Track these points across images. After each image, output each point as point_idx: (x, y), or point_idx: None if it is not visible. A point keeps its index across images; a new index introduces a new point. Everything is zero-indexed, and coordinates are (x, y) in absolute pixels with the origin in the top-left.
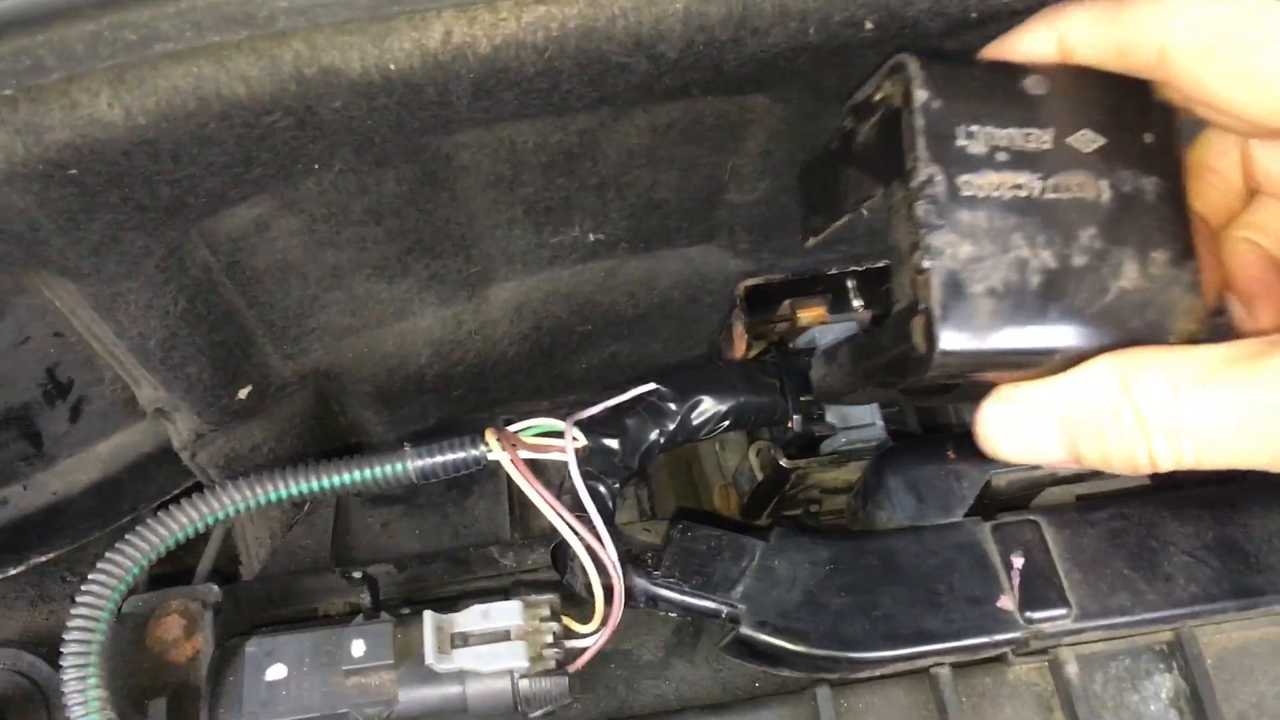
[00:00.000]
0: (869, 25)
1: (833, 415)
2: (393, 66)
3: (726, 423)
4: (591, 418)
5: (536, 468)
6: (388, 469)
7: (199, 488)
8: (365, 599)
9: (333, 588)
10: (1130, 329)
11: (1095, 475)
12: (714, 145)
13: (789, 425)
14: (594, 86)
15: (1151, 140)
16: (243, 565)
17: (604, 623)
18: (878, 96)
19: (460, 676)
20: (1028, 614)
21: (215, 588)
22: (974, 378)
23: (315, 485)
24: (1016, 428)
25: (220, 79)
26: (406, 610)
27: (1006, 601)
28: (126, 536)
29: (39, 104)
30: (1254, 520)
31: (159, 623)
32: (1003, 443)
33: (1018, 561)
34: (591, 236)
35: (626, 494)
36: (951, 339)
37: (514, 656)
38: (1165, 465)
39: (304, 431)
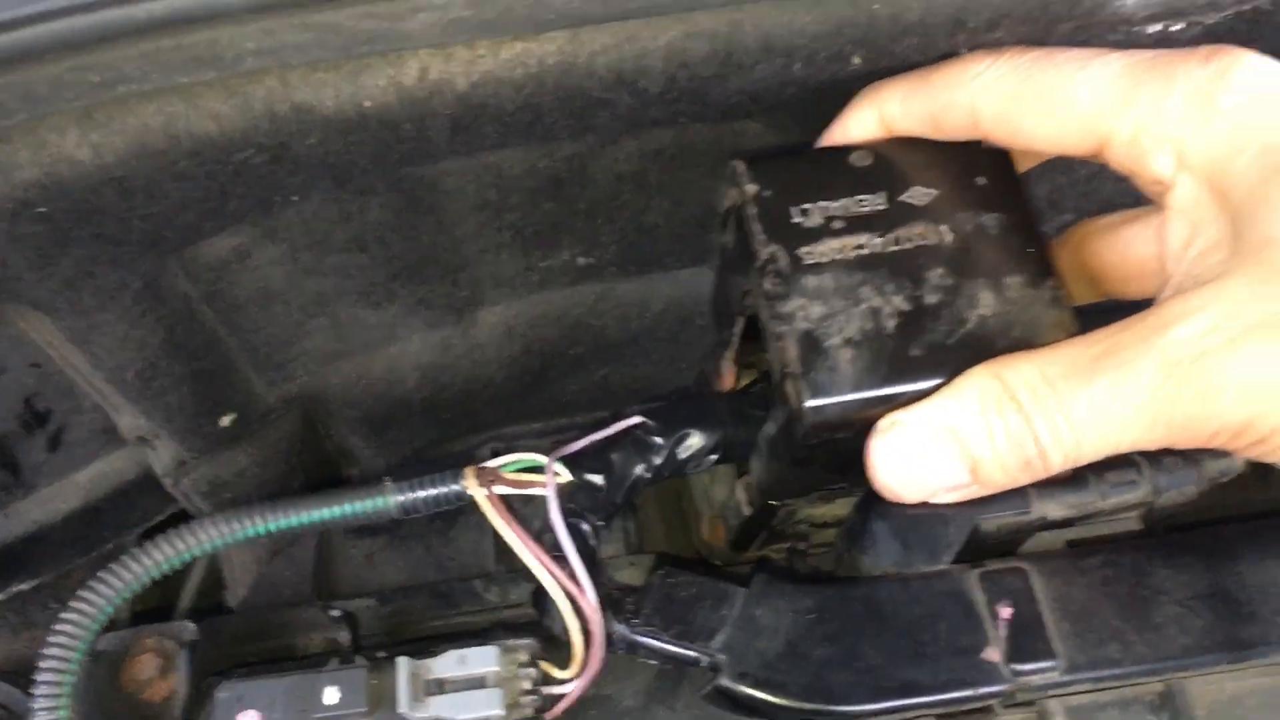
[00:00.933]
0: (856, 60)
1: None
2: (368, 103)
3: (714, 456)
4: (576, 452)
5: (524, 497)
6: (368, 504)
7: (184, 514)
8: (345, 636)
9: (313, 623)
10: (998, 349)
11: (1085, 520)
12: (706, 170)
13: None
14: (577, 119)
15: (985, 182)
16: (228, 593)
17: (582, 669)
18: (727, 204)
19: None
20: (1014, 666)
21: (191, 625)
22: (855, 432)
23: (294, 521)
24: (906, 452)
25: (190, 116)
26: (382, 654)
27: (993, 653)
28: (101, 574)
29: (6, 143)
30: (1247, 568)
31: (134, 661)
32: (898, 472)
33: (1005, 611)
34: (581, 260)
35: (613, 526)
36: (817, 390)
37: (490, 705)
38: (1055, 457)
39: (290, 456)
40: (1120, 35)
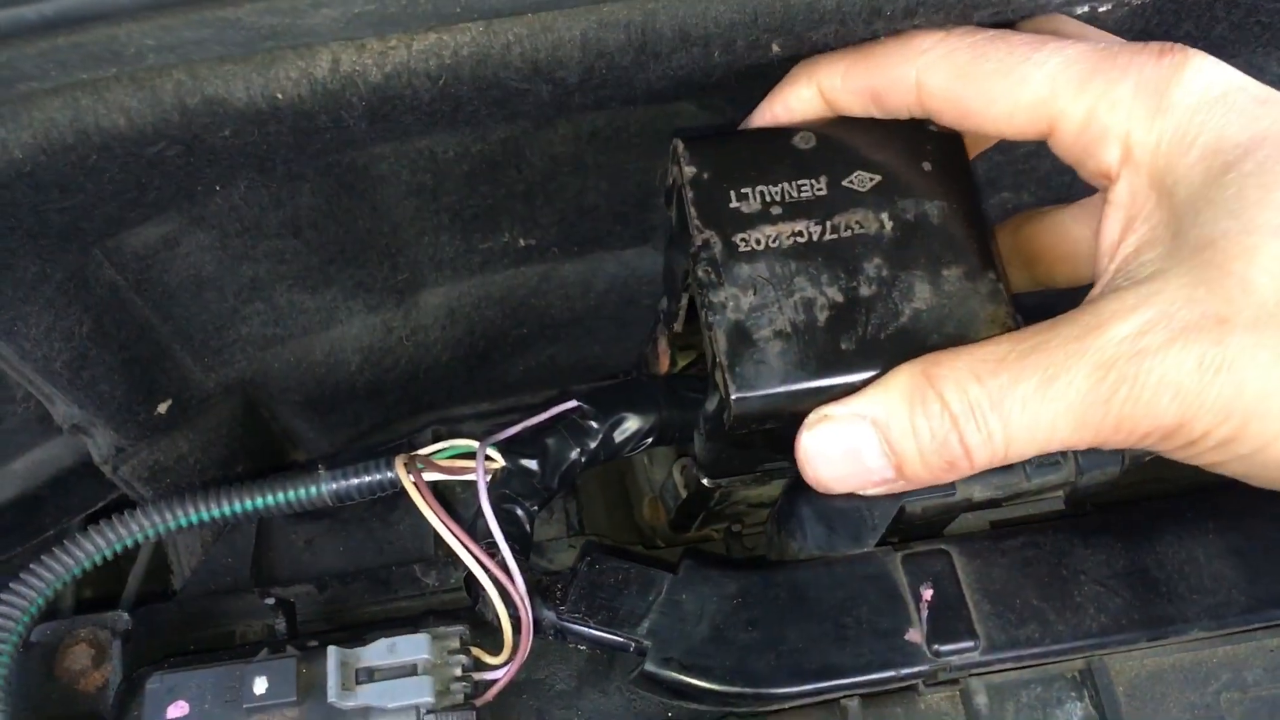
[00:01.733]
0: (776, 48)
1: None
2: (279, 95)
3: (650, 439)
4: (510, 437)
5: (466, 481)
6: (301, 492)
7: (124, 500)
8: (281, 624)
9: (251, 609)
10: (931, 344)
11: (1010, 501)
12: (642, 151)
13: None
14: (499, 107)
15: (931, 168)
16: (175, 577)
17: (512, 655)
18: (669, 180)
19: (365, 713)
20: (935, 647)
21: (125, 616)
22: (784, 422)
23: (229, 509)
24: (835, 444)
25: (99, 110)
26: (314, 643)
27: (914, 634)
28: (32, 565)
29: None
30: (1166, 548)
31: (67, 652)
32: (825, 465)
33: (927, 593)
34: (522, 241)
35: (555, 507)
36: (743, 384)
37: (420, 691)
38: (980, 456)
39: (232, 441)
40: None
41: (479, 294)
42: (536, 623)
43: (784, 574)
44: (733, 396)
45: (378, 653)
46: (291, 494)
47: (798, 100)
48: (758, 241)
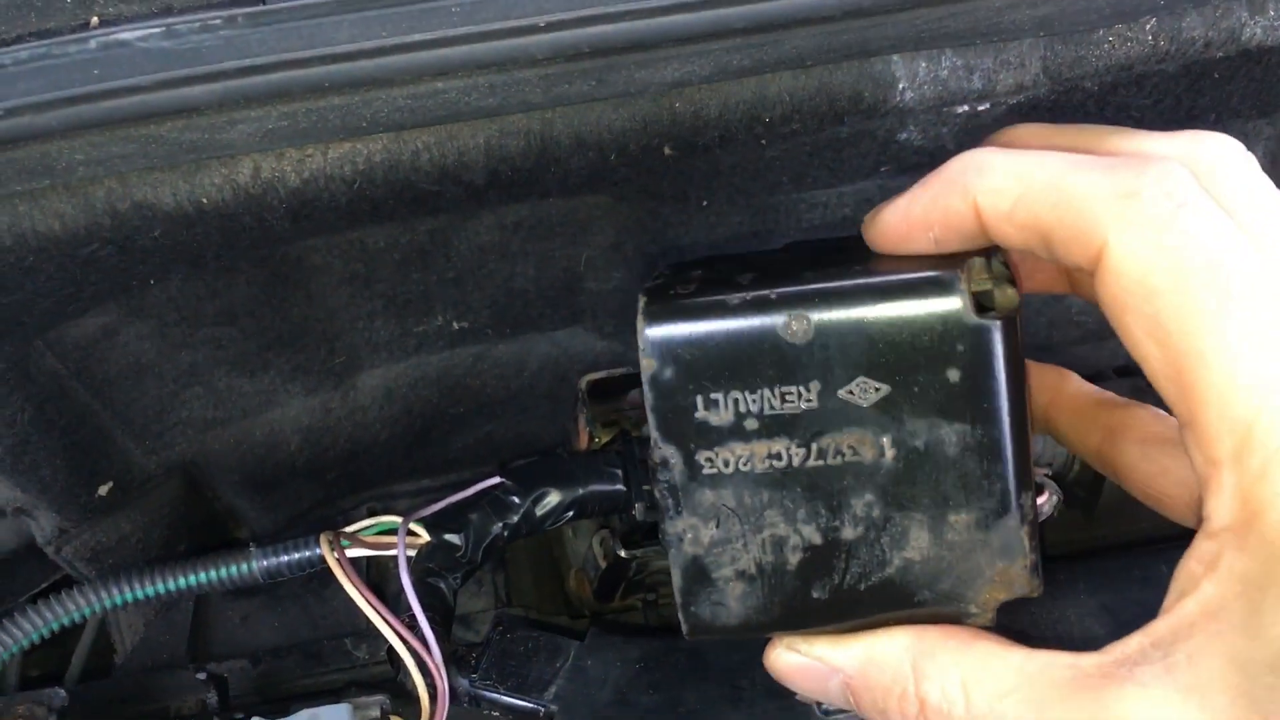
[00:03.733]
0: (668, 151)
1: None
2: (205, 200)
3: (571, 513)
4: (435, 513)
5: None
6: (233, 570)
7: (67, 581)
8: (213, 699)
9: (185, 685)
10: (918, 600)
11: None
12: (565, 240)
13: (632, 513)
14: (415, 207)
15: (958, 378)
16: (118, 654)
17: None
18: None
19: None
20: (824, 708)
21: (62, 692)
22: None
23: (164, 587)
24: (805, 677)
25: (35, 216)
26: (240, 715)
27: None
28: None
29: None
30: (1039, 607)
31: None
32: (793, 683)
33: None
34: (456, 325)
35: (484, 580)
36: (698, 625)
37: None
38: None
39: (175, 521)
40: (922, 122)
41: (415, 375)
42: (452, 691)
43: (684, 639)
44: (687, 635)
45: None
46: (224, 571)
47: (935, 210)
48: (725, 463)
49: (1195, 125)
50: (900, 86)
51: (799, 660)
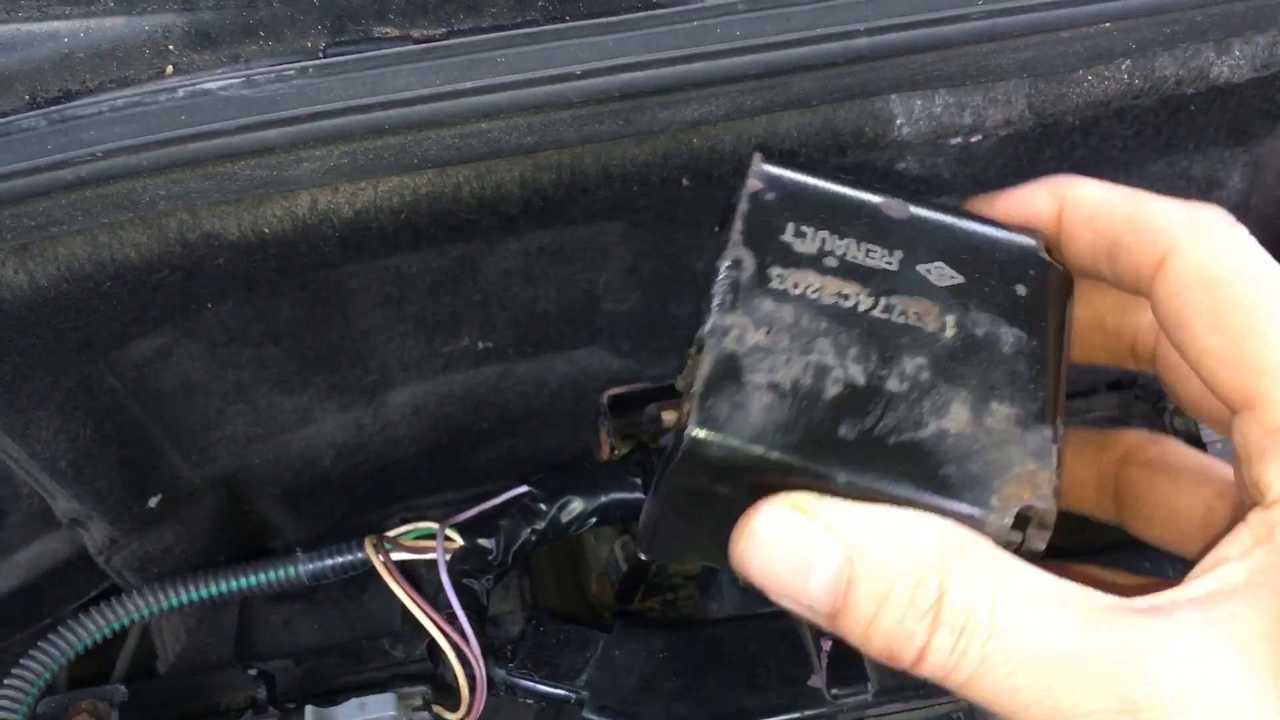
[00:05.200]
0: (686, 182)
1: None
2: (266, 230)
3: (594, 519)
4: (467, 520)
5: (429, 561)
6: (281, 573)
7: (115, 590)
8: (262, 693)
9: (234, 683)
10: (940, 475)
11: None
12: (585, 264)
13: None
14: (453, 234)
15: (1025, 293)
16: (159, 660)
17: (469, 711)
18: (732, 200)
19: None
20: (833, 691)
21: (122, 688)
22: (739, 492)
23: (215, 590)
24: (790, 545)
25: (114, 246)
26: (293, 705)
27: (816, 680)
28: (39, 644)
29: None
30: None
31: None
32: (762, 556)
33: (826, 644)
34: (481, 345)
35: (510, 584)
36: (708, 422)
37: None
38: (930, 664)
39: (215, 532)
40: (919, 153)
41: (442, 393)
42: (489, 680)
43: (704, 631)
44: (691, 432)
45: (350, 711)
46: (272, 574)
47: (1024, 201)
48: (795, 285)
49: (1175, 154)
50: (898, 122)
51: (795, 524)
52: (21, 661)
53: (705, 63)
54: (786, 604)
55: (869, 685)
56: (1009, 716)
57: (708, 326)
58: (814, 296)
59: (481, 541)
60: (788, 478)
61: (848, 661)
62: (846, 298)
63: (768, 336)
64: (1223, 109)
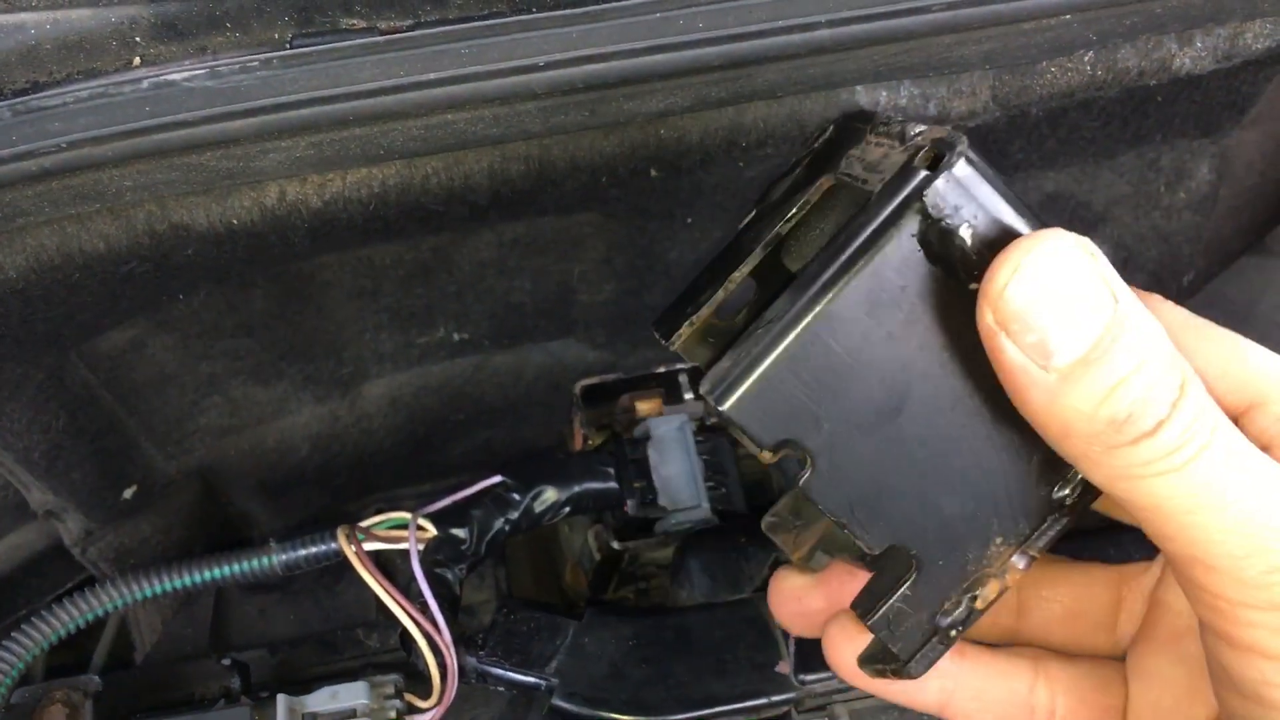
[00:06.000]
0: (654, 173)
1: (664, 499)
2: (235, 221)
3: (567, 509)
4: (441, 509)
5: (403, 551)
6: (255, 563)
7: (91, 581)
8: (237, 683)
9: (209, 673)
10: None
11: None
12: (558, 255)
13: (624, 509)
14: (423, 224)
15: None
16: (137, 650)
17: (440, 698)
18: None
19: None
20: (801, 676)
21: (96, 678)
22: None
23: (189, 580)
24: (1075, 278)
25: (82, 237)
26: (265, 694)
27: (784, 666)
28: (12, 634)
29: None
30: None
31: (44, 711)
32: (1040, 282)
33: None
34: (456, 336)
35: (485, 574)
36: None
37: None
38: (1166, 436)
39: (191, 523)
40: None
41: (418, 384)
42: (461, 669)
43: (673, 618)
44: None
45: (321, 699)
46: (246, 564)
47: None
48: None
49: (1143, 145)
50: None
51: (1082, 262)
52: None
53: (669, 54)
54: (1026, 341)
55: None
56: (1202, 513)
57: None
58: None
59: (454, 531)
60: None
61: (815, 647)
62: None
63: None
64: (1188, 100)
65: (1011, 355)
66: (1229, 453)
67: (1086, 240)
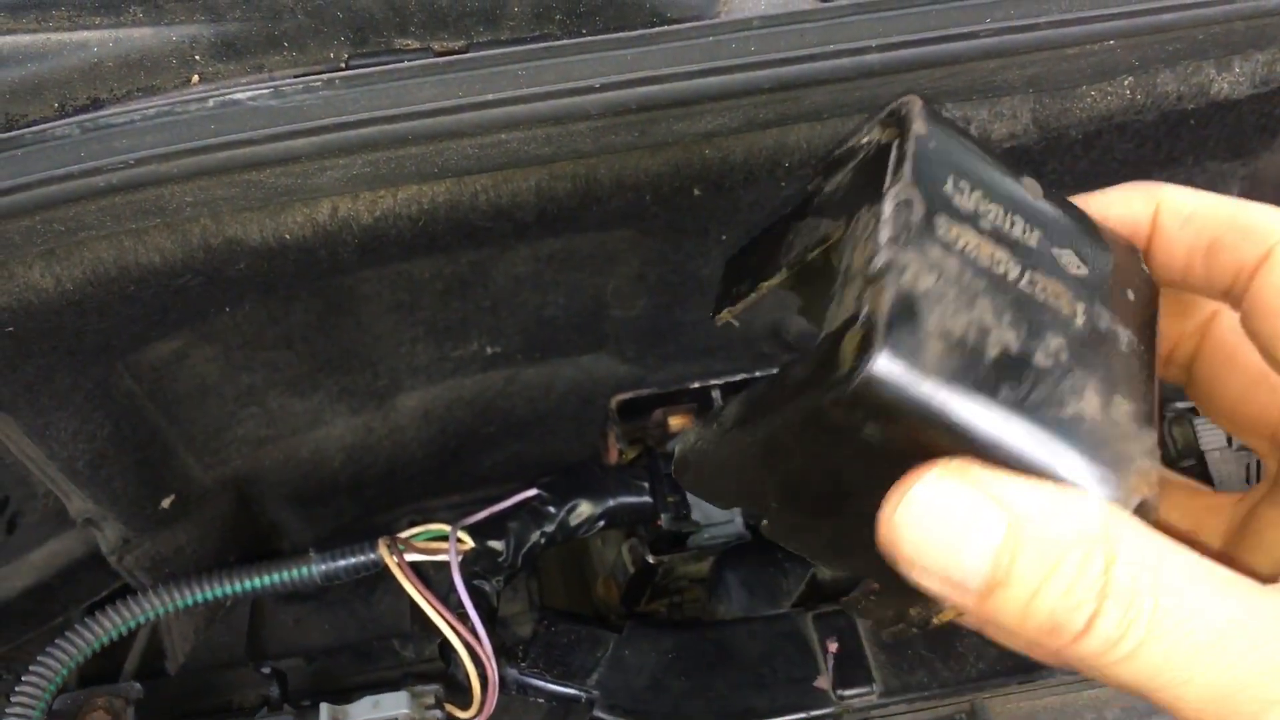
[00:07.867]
0: (697, 192)
1: (697, 514)
2: (288, 236)
3: (602, 522)
4: (478, 522)
5: (436, 562)
6: (294, 573)
7: (126, 589)
8: (275, 691)
9: (246, 681)
10: (1081, 457)
11: None
12: (593, 270)
13: (658, 523)
14: (468, 240)
15: (1133, 299)
16: (168, 660)
17: (480, 709)
18: (864, 140)
19: None
20: (839, 692)
21: (137, 685)
22: (885, 441)
23: (229, 589)
24: (955, 510)
25: (138, 250)
26: (307, 702)
27: (822, 681)
28: (56, 642)
29: None
30: None
31: (86, 718)
32: (923, 521)
33: (832, 646)
34: (489, 350)
35: (519, 586)
36: (889, 359)
37: None
38: (1096, 637)
39: (226, 533)
40: None
41: (451, 397)
42: (501, 680)
43: (712, 632)
44: (871, 369)
45: (364, 709)
46: (286, 574)
47: (1123, 203)
48: (957, 237)
49: (1174, 167)
50: None
51: (959, 492)
52: (39, 659)
53: (721, 77)
54: (931, 581)
55: (874, 686)
56: (1169, 690)
57: (882, 258)
58: (972, 255)
59: (492, 543)
60: (937, 434)
61: (853, 662)
62: (999, 263)
63: (938, 283)
64: (1221, 124)
65: (931, 587)
66: (1179, 620)
67: (963, 461)
